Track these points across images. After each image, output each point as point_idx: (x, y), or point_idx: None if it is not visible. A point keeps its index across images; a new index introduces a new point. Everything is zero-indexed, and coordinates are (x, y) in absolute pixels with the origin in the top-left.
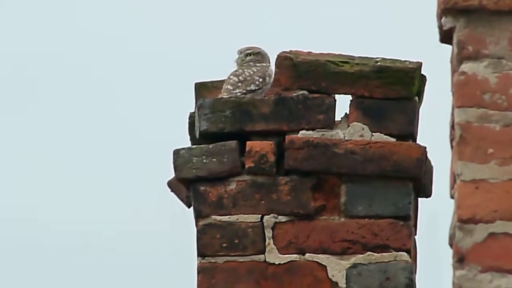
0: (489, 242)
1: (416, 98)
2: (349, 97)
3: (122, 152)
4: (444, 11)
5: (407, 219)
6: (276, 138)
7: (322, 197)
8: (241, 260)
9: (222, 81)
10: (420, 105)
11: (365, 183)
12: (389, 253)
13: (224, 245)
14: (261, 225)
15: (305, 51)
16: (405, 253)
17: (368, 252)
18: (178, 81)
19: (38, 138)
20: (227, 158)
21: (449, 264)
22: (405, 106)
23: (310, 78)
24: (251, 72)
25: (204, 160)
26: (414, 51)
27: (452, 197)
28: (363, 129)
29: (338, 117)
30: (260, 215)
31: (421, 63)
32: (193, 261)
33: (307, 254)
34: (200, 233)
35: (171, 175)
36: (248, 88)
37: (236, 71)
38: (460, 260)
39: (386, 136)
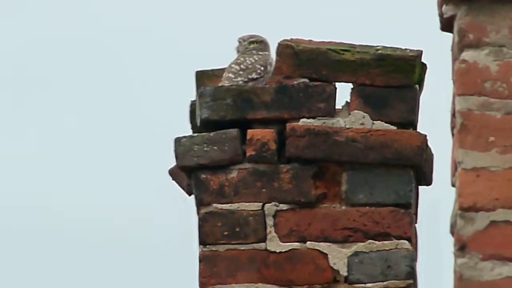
0: (490, 230)
1: (417, 86)
2: (350, 85)
3: (124, 140)
4: None
5: (408, 207)
6: (277, 126)
7: (323, 185)
8: (242, 248)
9: (223, 69)
10: (420, 93)
11: (366, 171)
12: (390, 241)
13: (226, 233)
14: (262, 213)
15: (306, 39)
16: (406, 241)
17: (369, 240)
18: (179, 69)
19: (49, 126)
20: (228, 146)
21: (450, 252)
22: (406, 94)
23: (311, 66)
24: (253, 61)
25: (205, 148)
26: (415, 39)
27: (453, 185)
28: (364, 117)
29: (339, 105)
30: (261, 203)
31: (421, 51)
32: (195, 249)
33: (308, 242)
34: (202, 221)
35: (173, 163)
36: (250, 77)
37: (237, 59)
38: (461, 248)
39: (387, 124)
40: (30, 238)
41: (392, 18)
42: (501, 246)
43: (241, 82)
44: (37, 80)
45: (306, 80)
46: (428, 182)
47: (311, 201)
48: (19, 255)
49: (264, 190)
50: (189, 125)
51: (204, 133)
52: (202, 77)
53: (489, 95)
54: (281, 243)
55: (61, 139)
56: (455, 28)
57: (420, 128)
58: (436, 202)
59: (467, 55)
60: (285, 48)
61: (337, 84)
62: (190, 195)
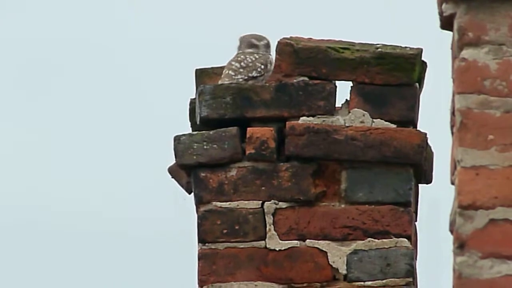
0: (489, 228)
1: (417, 84)
2: (350, 84)
3: (124, 138)
4: None
5: (408, 205)
6: (277, 124)
7: (323, 183)
8: (241, 246)
9: (223, 68)
10: (420, 91)
11: (366, 169)
12: (390, 239)
13: (225, 231)
14: (261, 211)
15: (306, 37)
16: (405, 239)
17: (369, 238)
18: (178, 67)
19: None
20: (228, 144)
21: (450, 250)
22: (406, 92)
23: (310, 65)
24: (253, 59)
25: (205, 146)
26: (415, 37)
27: (452, 183)
28: (363, 115)
29: (338, 104)
30: (261, 201)
31: (421, 50)
32: (194, 248)
33: (307, 240)
34: (201, 220)
35: (172, 161)
36: (250, 75)
37: (237, 57)
38: (460, 246)
39: (386, 123)
40: (29, 236)
41: (392, 17)
42: (500, 244)
43: (241, 80)
44: (35, 80)
45: (306, 78)
46: (428, 180)
47: (311, 199)
48: (20, 253)
49: (263, 188)
50: (188, 123)
51: (203, 131)
52: (202, 75)
53: (488, 93)
54: (281, 241)
55: (60, 137)
56: (455, 27)
57: (420, 127)
58: (436, 201)
59: (467, 53)
60: (284, 46)
61: (337, 82)
62: (189, 193)
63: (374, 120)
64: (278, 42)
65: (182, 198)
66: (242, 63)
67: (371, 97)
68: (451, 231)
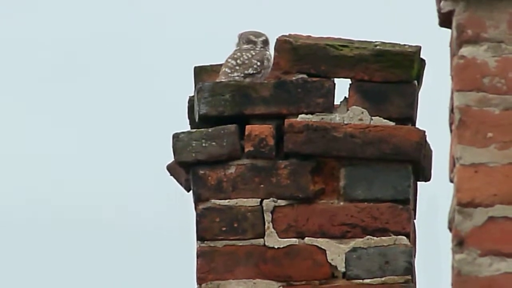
0: (488, 225)
1: (416, 81)
2: (349, 81)
3: (122, 136)
4: None
5: (407, 203)
6: (275, 121)
7: (322, 181)
8: (240, 244)
9: (222, 65)
10: (419, 89)
11: (365, 166)
12: (389, 237)
13: (224, 229)
14: (260, 209)
15: (305, 35)
16: (404, 237)
17: (368, 236)
18: (177, 65)
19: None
20: (227, 142)
21: (449, 248)
22: (405, 89)
23: (309, 62)
24: (249, 56)
25: (204, 144)
26: (413, 35)
27: (451, 181)
28: (362, 112)
29: (337, 101)
30: (260, 199)
31: (420, 47)
32: (193, 245)
33: (306, 238)
34: (200, 217)
35: (171, 159)
36: (246, 72)
37: (234, 54)
38: (459, 243)
39: (385, 120)
40: (29, 230)
41: (391, 14)
42: (499, 242)
43: (237, 77)
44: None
45: (305, 75)
46: (426, 177)
47: (309, 196)
48: (20, 247)
49: (262, 185)
50: (187, 121)
51: (202, 129)
52: (201, 72)
53: (487, 90)
54: (279, 239)
55: (60, 135)
56: (454, 24)
57: (419, 124)
58: (435, 198)
59: (466, 50)
60: (283, 43)
61: (335, 79)
62: (188, 190)
63: (372, 117)
64: (277, 39)
65: (180, 195)
66: (238, 60)
67: (370, 94)
68: (450, 228)
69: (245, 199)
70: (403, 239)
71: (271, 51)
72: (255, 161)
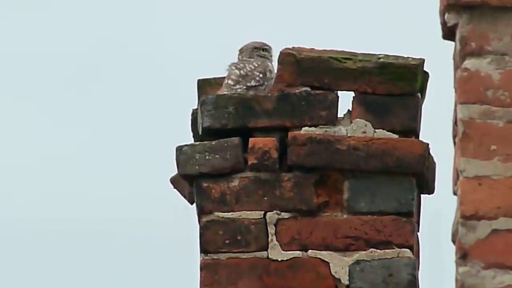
0: (492, 238)
1: (419, 94)
2: (352, 93)
3: (126, 148)
4: (447, 7)
5: (410, 216)
6: (279, 134)
7: (325, 193)
8: (244, 256)
9: (224, 78)
10: (422, 101)
11: (368, 179)
12: (392, 250)
13: (227, 241)
14: (264, 222)
15: (308, 47)
16: (408, 250)
17: (371, 249)
18: (180, 77)
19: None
20: (230, 155)
21: (452, 260)
22: (408, 102)
23: (313, 75)
24: (252, 67)
25: (207, 157)
26: (417, 47)
27: (455, 193)
28: (365, 125)
29: (340, 114)
30: (263, 212)
31: (423, 60)
32: (196, 258)
33: (310, 250)
34: (203, 230)
35: (174, 171)
36: (249, 84)
37: (237, 65)
38: (463, 256)
39: (388, 133)
40: (34, 241)
41: (394, 27)
42: (503, 255)
43: (240, 89)
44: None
45: (308, 88)
46: (430, 190)
47: (313, 209)
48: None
49: (265, 198)
50: (191, 133)
51: (205, 142)
52: (204, 85)
53: (491, 103)
54: (283, 251)
55: (64, 143)
56: (457, 36)
57: (422, 137)
58: (438, 211)
59: (469, 63)
60: (287, 56)
61: (339, 92)
62: (191, 203)
63: (376, 130)
64: (280, 52)
65: (183, 207)
66: (241, 71)
67: (373, 107)
68: (454, 241)
69: (249, 212)
70: (407, 252)
71: (275, 63)
72: (259, 174)
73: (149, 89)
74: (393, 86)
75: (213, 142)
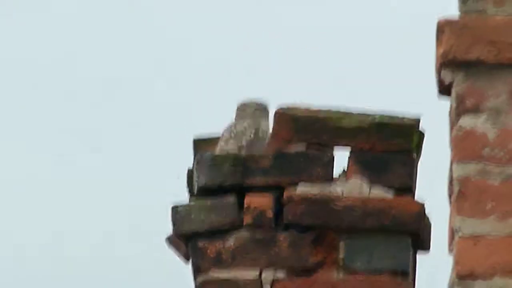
0: None
1: (415, 153)
2: (348, 152)
3: (121, 209)
4: (443, 65)
5: (406, 274)
6: (275, 192)
7: (322, 252)
8: None
9: (220, 136)
10: (418, 160)
11: (364, 238)
12: None
13: None
14: (259, 281)
15: (304, 105)
16: None
17: None
18: (176, 136)
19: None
20: (226, 213)
21: None
22: (404, 160)
23: (309, 133)
24: (243, 128)
25: (203, 216)
26: (413, 105)
27: (450, 252)
28: (361, 184)
29: (336, 173)
30: (259, 271)
31: (419, 119)
32: None
33: None
34: None
35: (170, 231)
36: (239, 144)
37: (230, 126)
38: None
39: (384, 192)
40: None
41: (390, 85)
42: None
43: (231, 149)
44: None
45: (304, 147)
46: (426, 249)
47: (309, 268)
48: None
49: (262, 257)
50: (186, 192)
51: (201, 200)
52: (200, 143)
53: (487, 161)
54: None
55: (59, 200)
56: (453, 94)
57: (418, 196)
58: (434, 270)
59: (465, 121)
60: (283, 114)
61: (335, 150)
62: (187, 262)
63: (372, 188)
64: (276, 110)
65: (180, 267)
66: (231, 133)
67: (369, 165)
68: None
69: (245, 271)
70: None
71: (270, 120)
72: (255, 233)
73: (145, 147)
74: (389, 145)
75: (209, 201)
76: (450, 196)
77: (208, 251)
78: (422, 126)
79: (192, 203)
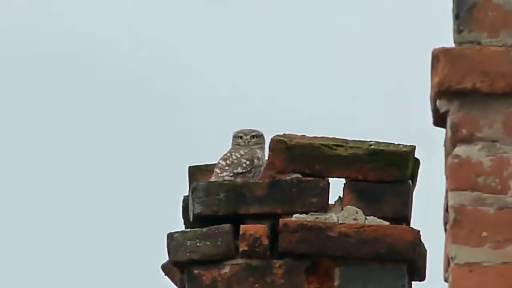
0: None
1: (410, 181)
2: (343, 180)
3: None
4: (438, 94)
5: None
6: (270, 221)
7: (316, 280)
8: None
9: (215, 165)
10: (413, 188)
11: (359, 266)
12: None
13: None
14: None
15: (299, 134)
16: None
17: None
18: (171, 164)
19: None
20: (221, 241)
21: None
22: (399, 189)
23: (304, 161)
24: (238, 155)
25: (198, 243)
26: (408, 134)
27: (446, 280)
28: (356, 212)
29: (332, 200)
30: None
31: (414, 147)
32: None
33: None
34: None
35: (165, 258)
36: (235, 171)
37: (225, 154)
38: None
39: (380, 220)
40: None
41: (385, 114)
42: None
43: (226, 177)
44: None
45: (299, 175)
46: (421, 277)
47: None
48: None
49: (257, 285)
50: (181, 220)
51: (197, 228)
52: (195, 172)
53: (482, 190)
54: None
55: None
56: (448, 123)
57: (413, 223)
58: None
59: (460, 150)
60: (278, 143)
61: (330, 179)
62: None
63: (367, 217)
64: (271, 139)
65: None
66: (227, 161)
67: (364, 194)
68: None
69: None
70: None
71: (266, 147)
72: (250, 261)
73: (140, 175)
74: (384, 173)
75: (204, 229)
76: (445, 224)
77: (204, 278)
78: (417, 154)
79: (188, 230)
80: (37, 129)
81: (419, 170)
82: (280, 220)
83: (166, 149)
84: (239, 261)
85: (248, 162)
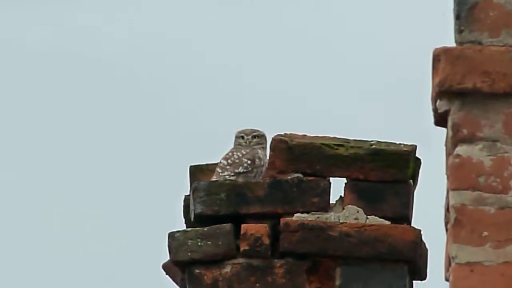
0: None
1: (411, 181)
2: (344, 180)
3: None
4: (439, 94)
5: None
6: (271, 220)
7: (317, 280)
8: None
9: (217, 164)
10: (414, 188)
11: (360, 266)
12: None
13: None
14: None
15: (300, 134)
16: None
17: None
18: (172, 163)
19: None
20: (222, 241)
21: None
22: (400, 188)
23: (305, 161)
24: (240, 155)
25: (199, 243)
26: (409, 134)
27: (447, 279)
28: (358, 211)
29: (333, 200)
30: None
31: (415, 146)
32: None
33: None
34: None
35: (166, 258)
36: (236, 171)
37: (226, 154)
38: None
39: (381, 219)
40: None
41: (386, 114)
42: None
43: (227, 176)
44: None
45: (300, 175)
46: (422, 277)
47: None
48: None
49: (257, 285)
50: (182, 220)
51: (197, 228)
52: (196, 171)
53: (483, 189)
54: None
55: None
56: (449, 123)
57: (414, 223)
58: None
59: (461, 150)
60: (278, 143)
61: (331, 178)
62: None
63: (368, 216)
64: (273, 138)
65: None
66: (228, 160)
67: (365, 193)
68: None
69: None
70: None
71: (268, 147)
72: (251, 260)
73: (141, 174)
74: (385, 173)
75: (205, 229)
76: (446, 224)
77: (205, 277)
78: (418, 153)
79: (189, 230)
80: (37, 129)
81: (420, 170)
82: (281, 219)
83: (167, 149)
84: (240, 260)
85: (249, 162)
